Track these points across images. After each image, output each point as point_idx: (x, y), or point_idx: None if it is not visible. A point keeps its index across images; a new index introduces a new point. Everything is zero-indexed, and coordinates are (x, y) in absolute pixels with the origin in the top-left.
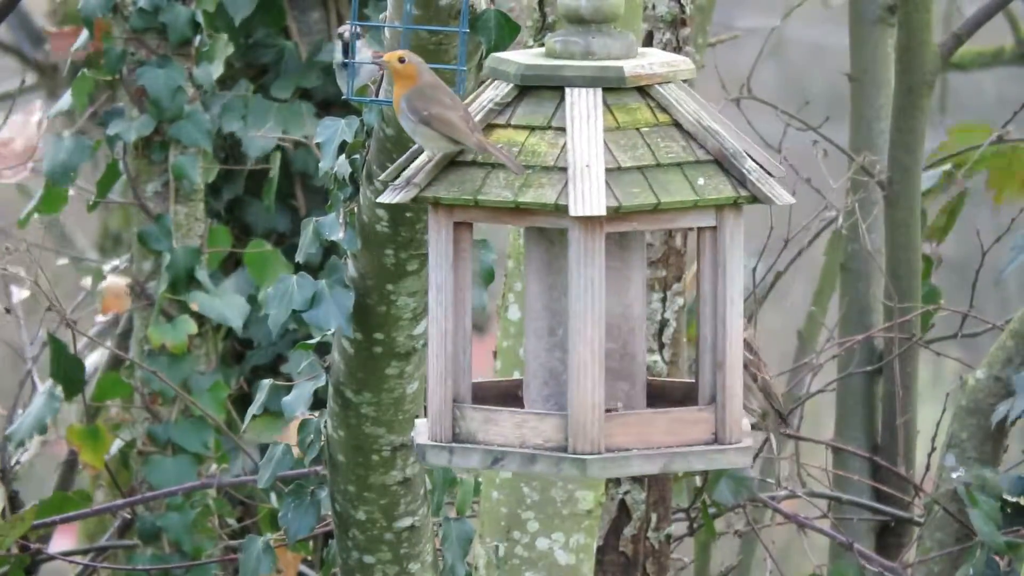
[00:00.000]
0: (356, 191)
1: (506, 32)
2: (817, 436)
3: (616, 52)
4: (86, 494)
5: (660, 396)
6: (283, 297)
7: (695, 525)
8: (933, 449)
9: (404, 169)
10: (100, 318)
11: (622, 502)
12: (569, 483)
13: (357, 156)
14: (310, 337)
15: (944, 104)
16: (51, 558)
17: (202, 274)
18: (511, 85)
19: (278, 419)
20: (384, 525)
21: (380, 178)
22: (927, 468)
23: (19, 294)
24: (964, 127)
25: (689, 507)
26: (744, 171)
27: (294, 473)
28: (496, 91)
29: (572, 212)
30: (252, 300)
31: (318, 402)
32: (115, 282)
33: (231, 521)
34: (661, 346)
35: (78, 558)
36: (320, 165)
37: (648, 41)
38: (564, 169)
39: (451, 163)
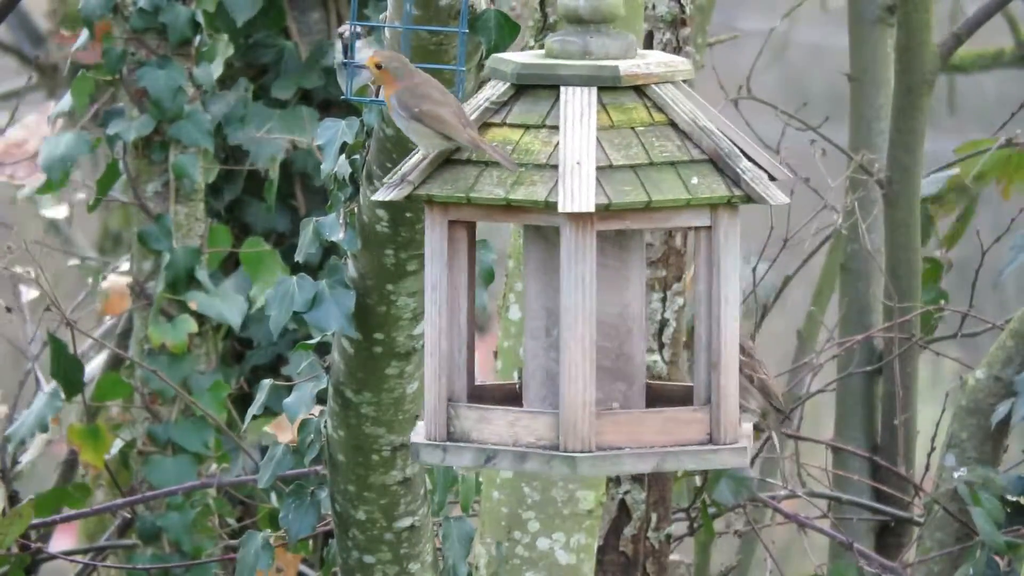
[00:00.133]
0: (356, 191)
1: (506, 32)
2: (817, 436)
3: (614, 52)
4: (86, 486)
5: (661, 399)
6: (284, 298)
7: (695, 525)
8: (933, 449)
9: None
10: (108, 319)
11: (622, 502)
12: (570, 483)
13: (357, 156)
14: (310, 337)
15: (952, 105)
16: (51, 557)
17: (202, 274)
18: (507, 84)
19: (277, 420)
20: (384, 525)
21: (384, 180)
22: (927, 468)
23: (28, 294)
24: (971, 144)
25: (689, 507)
26: (739, 171)
27: (294, 473)
28: (493, 90)
29: (561, 208)
30: (252, 300)
31: (318, 401)
32: (119, 283)
33: (231, 521)
34: (661, 346)
35: (78, 557)
36: (322, 167)
37: (648, 41)
38: (556, 167)
39: (445, 161)
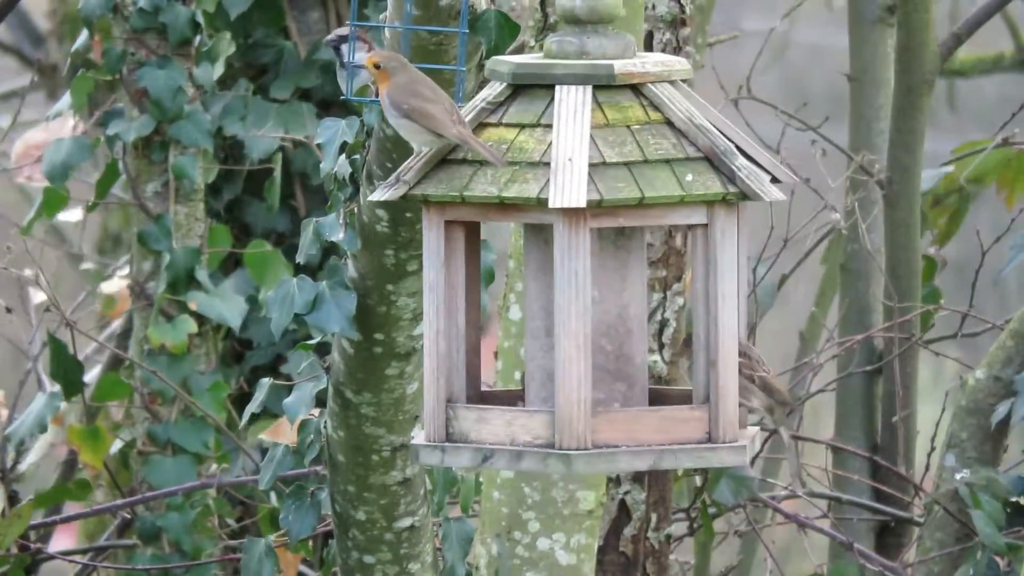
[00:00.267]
0: (356, 191)
1: (506, 32)
2: (817, 436)
3: (612, 52)
4: (86, 483)
5: (663, 401)
6: (284, 300)
7: (695, 525)
8: (933, 449)
9: None
10: (115, 322)
11: (622, 502)
12: (570, 483)
13: (357, 156)
14: (310, 337)
15: (953, 105)
16: (51, 557)
17: (202, 274)
18: (504, 84)
19: (277, 421)
20: (384, 525)
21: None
22: (927, 468)
23: (35, 296)
24: (968, 145)
25: (689, 507)
26: (734, 168)
27: (294, 473)
28: (490, 91)
29: (551, 203)
30: (252, 300)
31: (318, 402)
32: (120, 288)
33: (231, 521)
34: (661, 346)
35: (78, 557)
36: (321, 166)
37: (648, 41)
38: (549, 164)
39: (441, 162)
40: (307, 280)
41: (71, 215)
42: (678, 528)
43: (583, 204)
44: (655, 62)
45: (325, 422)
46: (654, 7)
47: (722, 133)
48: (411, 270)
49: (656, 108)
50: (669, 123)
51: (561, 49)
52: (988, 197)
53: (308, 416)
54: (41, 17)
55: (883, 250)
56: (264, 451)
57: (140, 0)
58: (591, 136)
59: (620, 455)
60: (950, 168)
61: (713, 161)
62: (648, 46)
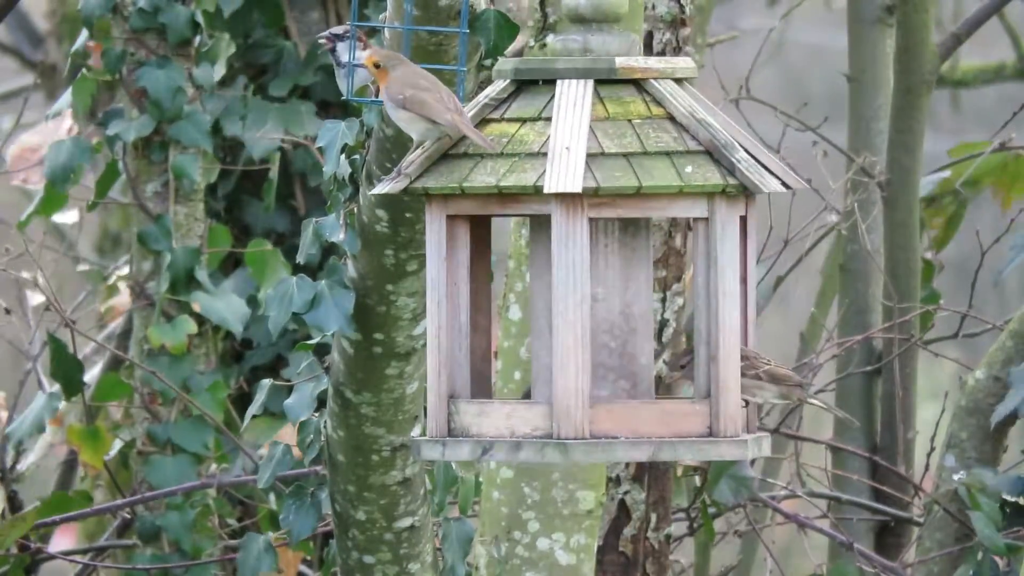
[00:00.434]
0: (356, 192)
1: (505, 32)
2: (817, 436)
3: (615, 50)
4: (86, 494)
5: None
6: (283, 299)
7: (695, 525)
8: (932, 449)
9: None
10: (114, 323)
11: (622, 502)
12: (569, 483)
13: (357, 156)
14: (310, 337)
15: (957, 105)
16: (51, 557)
17: (202, 274)
18: (507, 81)
19: (279, 421)
20: (384, 525)
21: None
22: (927, 468)
23: (33, 298)
24: (965, 146)
25: (689, 507)
26: (734, 160)
27: (294, 473)
28: (493, 88)
29: (546, 189)
30: (252, 300)
31: (319, 402)
32: (124, 293)
33: (231, 521)
34: (661, 346)
35: (78, 557)
36: (324, 169)
37: (648, 41)
38: (547, 154)
39: (443, 156)
40: (306, 279)
41: (68, 216)
42: (678, 528)
43: (578, 189)
44: (658, 59)
45: (325, 422)
46: (654, 7)
47: (730, 135)
48: (411, 270)
49: (658, 103)
50: (671, 118)
51: (565, 47)
52: (988, 197)
53: (308, 416)
54: (41, 17)
55: (882, 250)
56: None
57: (140, 0)
58: (591, 128)
59: (618, 445)
60: (947, 173)
61: (713, 154)
62: (648, 46)
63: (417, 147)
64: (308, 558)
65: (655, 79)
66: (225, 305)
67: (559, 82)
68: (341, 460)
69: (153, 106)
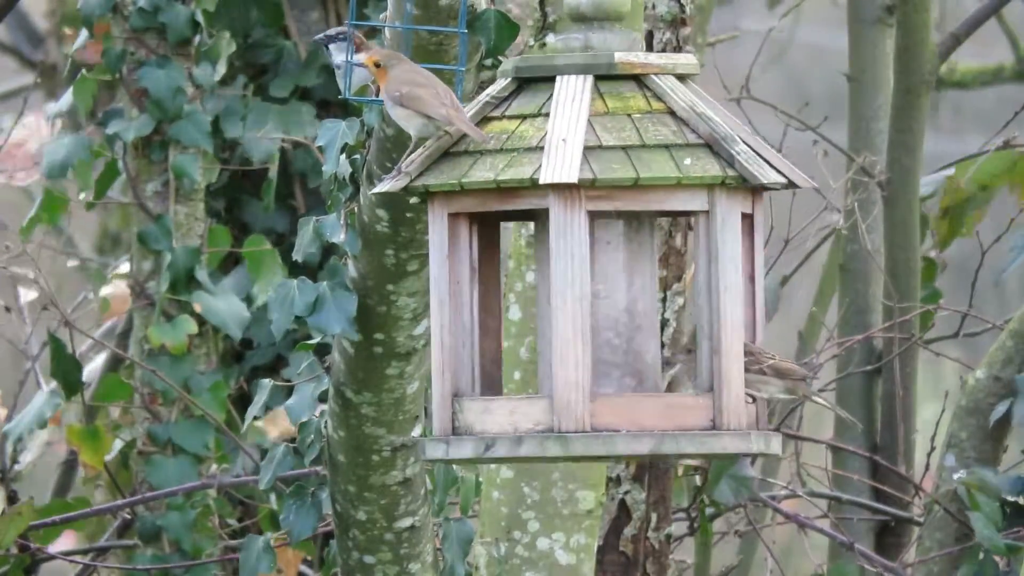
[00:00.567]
0: (356, 191)
1: (505, 32)
2: (817, 436)
3: (616, 47)
4: (85, 500)
5: None
6: (285, 302)
7: (695, 525)
8: (933, 449)
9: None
10: (108, 323)
11: (622, 502)
12: (569, 483)
13: (357, 156)
14: (310, 337)
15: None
16: (51, 558)
17: (202, 274)
18: (509, 80)
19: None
20: (384, 525)
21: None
22: (927, 468)
23: (26, 295)
24: (970, 160)
25: (689, 507)
26: (733, 152)
27: (294, 473)
28: (495, 87)
29: (542, 180)
30: (251, 299)
31: (319, 402)
32: (120, 289)
33: (231, 521)
34: (661, 346)
35: (78, 557)
36: (324, 169)
37: (648, 41)
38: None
39: (444, 154)
40: (307, 282)
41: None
42: (678, 528)
43: (574, 180)
44: (659, 55)
45: (325, 422)
46: (654, 7)
47: (731, 129)
48: (411, 270)
49: (659, 98)
50: (671, 112)
51: (567, 45)
52: (989, 197)
53: (309, 417)
54: (40, 17)
55: (882, 250)
56: (264, 451)
57: (140, 0)
58: (590, 122)
59: (619, 438)
60: (950, 171)
61: (713, 147)
62: (648, 46)
63: (417, 146)
64: (308, 558)
65: (656, 75)
66: (225, 307)
67: (558, 78)
68: (341, 460)
69: (153, 106)
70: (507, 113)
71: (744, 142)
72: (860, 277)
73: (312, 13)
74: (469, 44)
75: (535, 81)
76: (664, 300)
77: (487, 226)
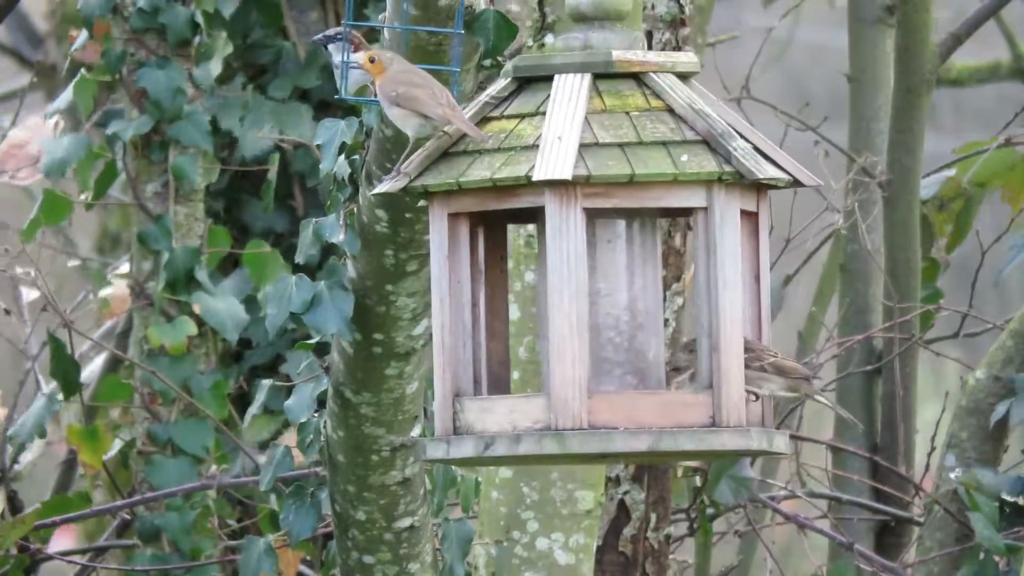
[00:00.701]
0: (356, 192)
1: (504, 33)
2: (817, 436)
3: (616, 47)
4: (86, 495)
5: None
6: (282, 298)
7: (695, 525)
8: (933, 449)
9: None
10: (108, 324)
11: (621, 502)
12: (568, 482)
13: (356, 156)
14: (309, 337)
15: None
16: (50, 558)
17: (202, 274)
18: (508, 80)
19: (278, 417)
20: (384, 525)
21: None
22: (927, 468)
23: (27, 295)
24: (971, 146)
25: (689, 507)
26: (730, 148)
27: (294, 474)
28: (495, 87)
29: (536, 176)
30: (250, 300)
31: (318, 402)
32: (120, 290)
33: (231, 522)
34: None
35: (77, 558)
36: (321, 168)
37: (648, 41)
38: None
39: (443, 154)
40: (305, 279)
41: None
42: (678, 528)
43: (568, 176)
44: (658, 53)
45: (325, 422)
46: (653, 7)
47: (728, 125)
48: (410, 270)
49: (657, 96)
50: (670, 110)
51: (567, 45)
52: (988, 197)
53: (308, 416)
54: (40, 17)
55: (882, 250)
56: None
57: (140, 0)
58: (587, 120)
59: (617, 435)
60: (951, 172)
61: (711, 143)
62: (648, 46)
63: (416, 146)
64: (308, 558)
65: (655, 73)
66: (224, 308)
67: (556, 77)
68: (341, 460)
69: (153, 106)
70: (506, 113)
71: (746, 139)
72: (860, 277)
73: (311, 13)
74: (469, 44)
75: (535, 81)
76: (664, 300)
77: (494, 229)
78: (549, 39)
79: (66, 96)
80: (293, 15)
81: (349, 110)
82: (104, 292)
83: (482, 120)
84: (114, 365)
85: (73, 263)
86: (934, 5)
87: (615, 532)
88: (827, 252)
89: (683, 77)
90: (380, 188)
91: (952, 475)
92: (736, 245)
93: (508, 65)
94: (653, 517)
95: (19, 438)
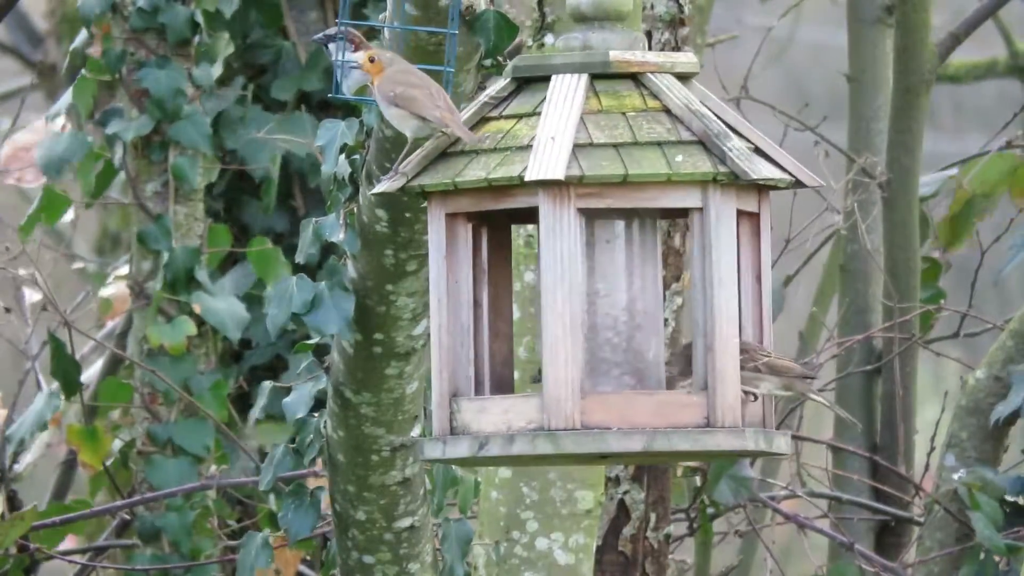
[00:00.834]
0: (356, 192)
1: (505, 33)
2: (817, 436)
3: (616, 47)
4: (85, 503)
5: None
6: (283, 298)
7: (695, 525)
8: (933, 449)
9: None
10: (110, 324)
11: (621, 502)
12: (568, 482)
13: (357, 156)
14: (309, 337)
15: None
16: (50, 557)
17: (202, 274)
18: (508, 80)
19: (282, 424)
20: (384, 525)
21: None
22: (927, 468)
23: (30, 296)
24: (973, 161)
25: (689, 507)
26: (725, 149)
27: (294, 474)
28: (494, 87)
29: (528, 177)
30: (250, 299)
31: (318, 402)
32: (120, 291)
33: (230, 522)
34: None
35: (77, 557)
36: (322, 168)
37: (647, 41)
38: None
39: (441, 154)
40: (306, 280)
41: (64, 216)
42: (678, 528)
43: (560, 176)
44: (657, 54)
45: (325, 422)
46: (653, 7)
47: (737, 132)
48: (410, 270)
49: (655, 97)
50: (667, 110)
51: (566, 45)
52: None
53: (307, 416)
54: (40, 17)
55: (882, 250)
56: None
57: (139, 0)
58: (582, 120)
59: (610, 435)
60: (953, 171)
61: (706, 143)
62: (647, 46)
63: (414, 147)
64: (308, 558)
65: (653, 73)
66: (224, 308)
67: (554, 77)
68: (341, 460)
69: (153, 106)
70: (504, 113)
71: (746, 139)
72: (860, 277)
73: (311, 13)
74: (469, 44)
75: (535, 81)
76: (663, 300)
77: (498, 228)
78: (549, 39)
79: (67, 97)
80: (293, 15)
81: (350, 110)
82: (104, 292)
83: (480, 120)
84: (114, 366)
85: (77, 266)
86: (933, 6)
87: (615, 532)
88: (827, 252)
89: (682, 77)
90: (378, 188)
91: (956, 476)
92: (732, 246)
93: (509, 65)
94: (653, 517)
95: (19, 435)
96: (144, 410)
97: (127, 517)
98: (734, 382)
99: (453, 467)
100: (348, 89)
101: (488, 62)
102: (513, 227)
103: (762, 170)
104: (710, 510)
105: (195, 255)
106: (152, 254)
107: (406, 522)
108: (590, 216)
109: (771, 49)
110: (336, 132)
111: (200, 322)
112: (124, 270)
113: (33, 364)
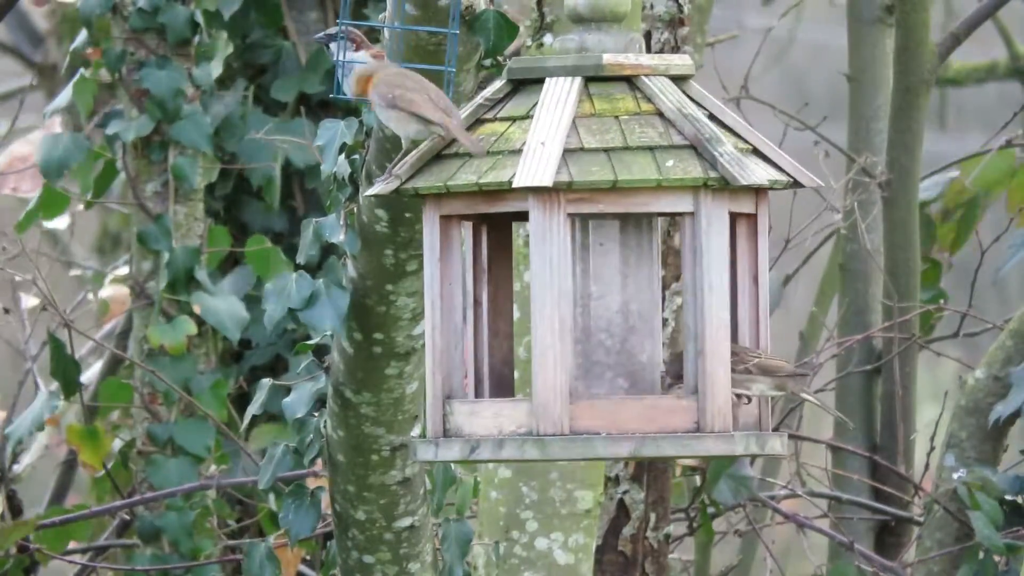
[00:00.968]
0: (356, 191)
1: (505, 33)
2: (817, 436)
3: (612, 49)
4: (85, 507)
5: None
6: (281, 294)
7: (695, 525)
8: (932, 449)
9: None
10: (108, 326)
11: (621, 502)
12: (568, 483)
13: (357, 156)
14: (309, 337)
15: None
16: (50, 557)
17: (202, 274)
18: (503, 82)
19: (283, 426)
20: (384, 525)
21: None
22: (927, 468)
23: (27, 300)
24: (977, 160)
25: (689, 507)
26: (716, 154)
27: (294, 474)
28: (491, 88)
29: (516, 183)
30: (250, 299)
31: (318, 402)
32: (118, 292)
33: (231, 522)
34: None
35: (77, 557)
36: (322, 168)
37: (647, 40)
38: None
39: (435, 157)
40: (306, 276)
41: (60, 221)
42: (678, 528)
43: (548, 183)
44: (651, 56)
45: (325, 422)
46: (652, 7)
47: (735, 133)
48: (410, 270)
49: (648, 100)
50: (659, 114)
51: (563, 46)
52: (989, 198)
53: (307, 416)
54: (40, 17)
55: (882, 250)
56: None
57: (139, 0)
58: (575, 124)
59: (598, 441)
60: (954, 173)
61: (697, 148)
62: (647, 46)
63: (410, 149)
64: (308, 558)
65: (647, 75)
66: (225, 308)
67: (547, 80)
68: (341, 460)
69: (153, 106)
70: (499, 115)
71: (744, 140)
72: (860, 277)
73: (311, 13)
74: (469, 44)
75: (531, 83)
76: (663, 300)
77: (500, 228)
78: (548, 39)
79: (65, 95)
80: (293, 15)
81: (350, 110)
82: (103, 293)
83: (476, 122)
84: (114, 366)
85: (75, 272)
86: (932, 6)
87: (615, 532)
88: (827, 252)
89: (679, 79)
90: (372, 190)
91: (955, 475)
92: (723, 250)
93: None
94: (653, 517)
95: (17, 434)
96: (144, 410)
97: (127, 517)
98: (724, 386)
99: (453, 466)
100: (349, 89)
101: (488, 62)
102: (514, 226)
103: (753, 175)
104: (710, 510)
105: (195, 255)
106: (152, 254)
107: (406, 522)
108: (584, 219)
109: (771, 49)
110: (336, 132)
111: (200, 322)
112: (123, 271)
113: (33, 365)
